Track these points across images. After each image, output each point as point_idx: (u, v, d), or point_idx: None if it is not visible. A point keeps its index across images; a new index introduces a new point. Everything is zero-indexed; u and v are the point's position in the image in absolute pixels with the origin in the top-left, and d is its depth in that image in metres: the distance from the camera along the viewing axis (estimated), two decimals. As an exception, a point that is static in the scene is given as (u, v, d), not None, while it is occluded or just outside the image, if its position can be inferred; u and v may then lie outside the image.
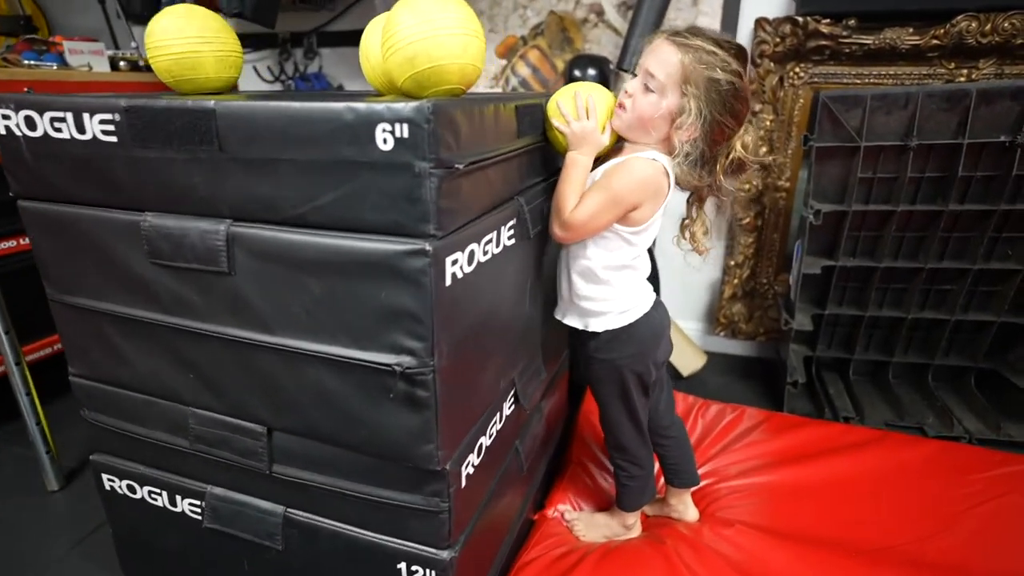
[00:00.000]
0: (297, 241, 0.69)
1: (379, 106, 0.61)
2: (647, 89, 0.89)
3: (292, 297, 0.72)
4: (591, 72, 1.77)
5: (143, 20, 2.07)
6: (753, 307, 2.01)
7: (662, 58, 0.87)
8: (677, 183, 0.94)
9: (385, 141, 0.61)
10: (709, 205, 1.01)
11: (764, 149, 1.84)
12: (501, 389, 0.95)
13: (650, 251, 1.03)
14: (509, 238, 0.87)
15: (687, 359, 1.93)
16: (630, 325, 1.01)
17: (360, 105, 0.61)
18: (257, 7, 1.66)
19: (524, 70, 2.06)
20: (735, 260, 1.96)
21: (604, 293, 1.00)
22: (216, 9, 1.27)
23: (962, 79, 1.63)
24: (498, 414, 0.95)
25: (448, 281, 0.69)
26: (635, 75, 0.92)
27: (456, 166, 0.65)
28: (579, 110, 0.92)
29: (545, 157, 1.01)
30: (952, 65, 1.63)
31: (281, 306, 0.73)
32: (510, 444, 1.05)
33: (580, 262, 0.99)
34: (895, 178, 1.53)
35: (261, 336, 0.76)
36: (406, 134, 0.61)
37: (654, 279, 1.96)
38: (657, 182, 0.91)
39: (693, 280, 2.07)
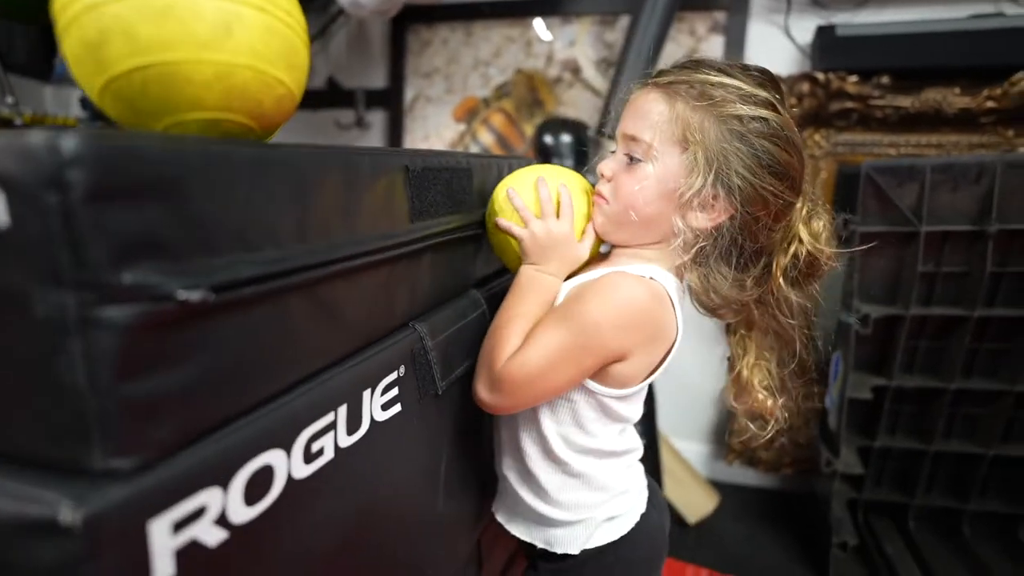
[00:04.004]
0: None
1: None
2: (631, 161, 0.53)
3: None
4: (565, 139, 1.42)
5: (31, 72, 1.72)
6: (774, 428, 1.58)
7: (644, 110, 0.53)
8: (702, 305, 0.55)
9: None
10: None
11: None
12: None
13: None
14: (389, 404, 0.46)
15: (694, 500, 1.48)
16: (619, 541, 0.58)
17: None
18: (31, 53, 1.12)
19: (486, 137, 1.72)
20: (750, 369, 1.55)
21: (576, 494, 0.57)
22: None
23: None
24: None
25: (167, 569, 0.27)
26: (613, 151, 0.57)
27: (182, 296, 0.25)
28: (544, 203, 0.56)
29: (478, 250, 0.62)
30: (1011, 133, 1.32)
31: None
32: None
33: (532, 437, 0.57)
34: (966, 273, 1.15)
35: None
36: (6, 219, 0.22)
37: (648, 397, 1.54)
38: (655, 316, 0.51)
39: (695, 387, 1.62)
